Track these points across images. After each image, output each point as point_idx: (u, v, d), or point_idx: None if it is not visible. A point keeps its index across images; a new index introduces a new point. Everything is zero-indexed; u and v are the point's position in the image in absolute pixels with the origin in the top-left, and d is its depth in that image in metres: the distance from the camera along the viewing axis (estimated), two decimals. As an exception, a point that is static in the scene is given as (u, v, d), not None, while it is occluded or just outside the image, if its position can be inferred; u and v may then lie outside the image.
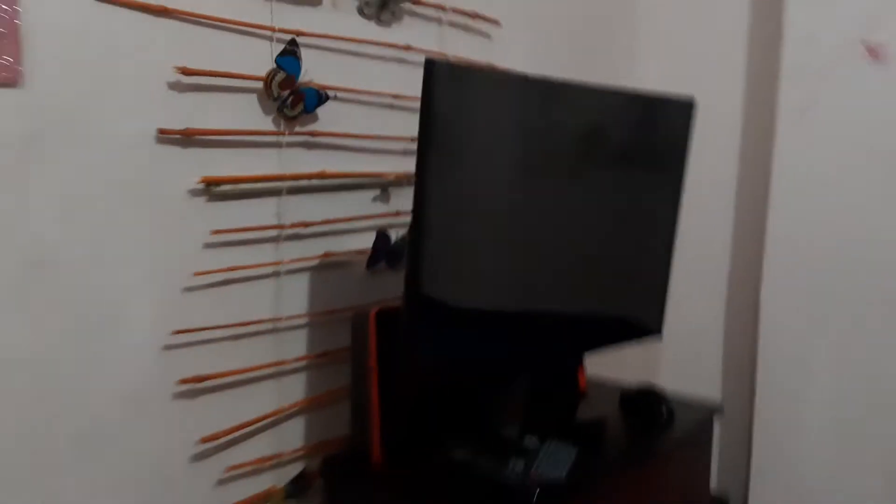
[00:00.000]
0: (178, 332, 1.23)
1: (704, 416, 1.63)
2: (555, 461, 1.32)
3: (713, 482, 2.43)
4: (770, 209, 2.13)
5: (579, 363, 1.72)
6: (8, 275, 1.04)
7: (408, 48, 1.55)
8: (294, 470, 1.44)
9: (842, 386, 2.11)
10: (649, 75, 2.31)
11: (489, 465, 1.28)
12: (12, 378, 1.06)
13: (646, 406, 1.61)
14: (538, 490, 1.21)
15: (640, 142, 1.61)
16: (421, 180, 1.20)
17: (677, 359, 2.40)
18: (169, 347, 1.24)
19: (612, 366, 1.93)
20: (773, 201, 2.13)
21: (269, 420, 1.40)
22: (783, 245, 2.14)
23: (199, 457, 1.31)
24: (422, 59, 1.19)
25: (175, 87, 1.18)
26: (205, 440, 1.29)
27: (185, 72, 1.17)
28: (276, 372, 1.41)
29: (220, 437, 1.31)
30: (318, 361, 1.47)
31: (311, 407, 1.47)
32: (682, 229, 1.77)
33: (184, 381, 1.25)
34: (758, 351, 2.21)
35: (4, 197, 1.03)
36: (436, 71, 1.17)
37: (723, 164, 2.34)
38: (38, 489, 1.10)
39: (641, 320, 1.71)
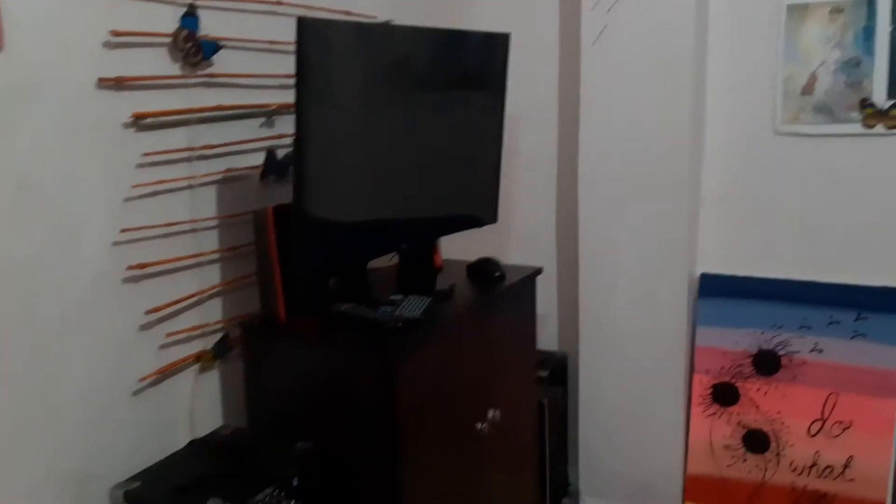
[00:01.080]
0: (124, 230, 1.64)
1: (528, 275, 2.17)
2: (414, 307, 1.82)
3: (556, 346, 3.04)
4: (581, 118, 2.68)
5: (434, 246, 2.22)
6: (5, 194, 1.42)
7: (279, 3, 1.96)
8: (217, 337, 1.89)
9: (639, 256, 2.72)
10: (484, 17, 2.81)
11: (366, 311, 1.76)
12: (11, 276, 1.45)
13: (484, 271, 2.13)
14: (400, 324, 1.70)
15: (468, 70, 2.09)
16: (299, 110, 1.63)
17: (521, 242, 2.95)
18: (117, 244, 1.64)
19: (474, 251, 2.43)
20: (583, 111, 2.67)
21: (195, 298, 1.83)
22: (592, 148, 2.69)
23: (146, 327, 1.73)
24: (291, 11, 1.61)
25: (108, 45, 1.57)
26: (149, 312, 1.71)
27: (116, 33, 1.56)
28: (198, 262, 1.83)
29: (161, 310, 1.73)
30: (228, 254, 1.90)
31: (227, 290, 1.91)
32: (520, 137, 2.27)
33: (130, 268, 1.66)
34: (578, 234, 2.78)
35: (-5, 135, 1.41)
36: (305, 25, 1.60)
37: (547, 84, 2.87)
38: (34, 353, 1.50)
39: (479, 212, 2.22)
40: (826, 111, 2.63)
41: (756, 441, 2.73)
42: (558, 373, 2.88)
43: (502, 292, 2.06)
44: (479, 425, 1.98)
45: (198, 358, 1.84)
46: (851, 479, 2.61)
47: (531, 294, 2.21)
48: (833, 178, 2.64)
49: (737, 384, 2.74)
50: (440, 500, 1.86)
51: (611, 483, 2.91)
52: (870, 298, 2.60)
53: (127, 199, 1.65)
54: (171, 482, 1.55)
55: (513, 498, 2.25)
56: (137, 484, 1.53)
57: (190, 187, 1.80)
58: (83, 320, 1.58)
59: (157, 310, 1.72)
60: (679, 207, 2.65)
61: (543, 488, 2.50)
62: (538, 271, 2.21)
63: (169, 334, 1.76)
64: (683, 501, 2.83)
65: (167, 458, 1.67)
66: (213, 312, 1.89)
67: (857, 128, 2.59)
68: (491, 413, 2.02)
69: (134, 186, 1.66)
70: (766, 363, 2.70)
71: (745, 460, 2.75)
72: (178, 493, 1.51)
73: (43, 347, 1.51)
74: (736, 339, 2.73)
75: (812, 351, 2.64)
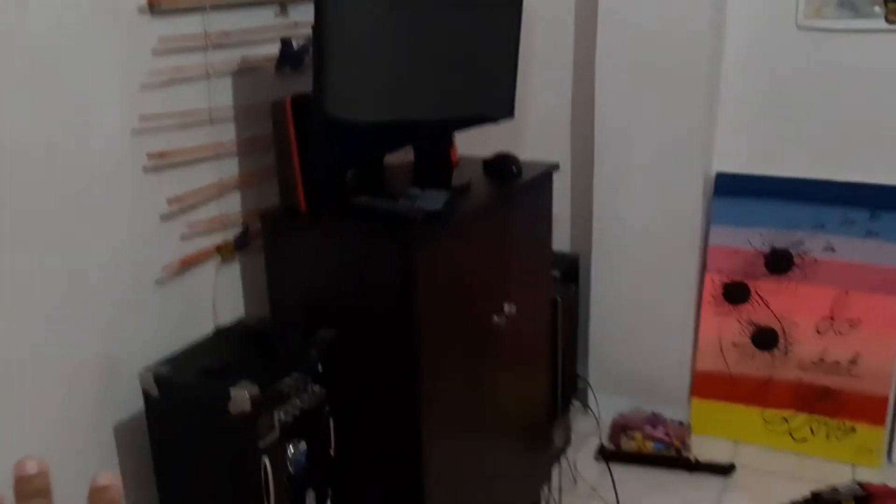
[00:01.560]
0: (142, 117, 1.62)
1: (545, 171, 2.16)
2: (433, 200, 1.81)
3: (569, 247, 3.05)
4: (599, 12, 2.62)
5: (450, 141, 2.20)
6: (21, 72, 1.40)
7: None
8: (238, 230, 1.90)
9: (655, 155, 2.70)
10: None
11: (384, 203, 1.76)
12: (32, 159, 1.44)
13: (501, 166, 2.12)
14: (420, 215, 1.70)
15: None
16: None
17: (535, 141, 2.93)
18: (136, 132, 1.63)
19: (487, 148, 2.42)
20: (601, 4, 2.61)
21: (215, 190, 1.83)
22: (609, 42, 2.64)
23: (167, 217, 1.73)
24: None
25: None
26: (170, 203, 1.71)
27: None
28: (216, 154, 1.82)
29: (182, 201, 1.74)
30: (246, 146, 1.89)
31: (246, 182, 1.91)
32: (536, 32, 2.22)
33: (150, 156, 1.65)
34: (594, 131, 2.75)
35: (12, 14, 1.38)
36: None
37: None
38: (59, 237, 1.51)
39: (496, 107, 2.19)
40: (849, 5, 2.56)
41: (764, 338, 2.77)
42: (570, 273, 2.90)
43: (519, 188, 2.06)
44: (495, 318, 2.00)
45: (219, 250, 1.85)
46: (857, 375, 2.66)
47: (548, 190, 2.21)
48: (852, 75, 2.59)
49: (748, 283, 2.76)
50: (457, 390, 1.90)
51: (620, 379, 2.97)
52: (884, 197, 2.60)
53: (144, 87, 1.63)
54: (198, 366, 1.58)
55: (526, 392, 2.30)
56: (167, 367, 1.56)
57: (207, 76, 1.77)
58: (105, 207, 1.59)
59: (178, 200, 1.72)
60: (697, 104, 2.62)
61: (555, 383, 2.55)
62: (555, 166, 2.20)
63: (190, 225, 1.77)
64: (690, 397, 2.90)
65: (194, 345, 1.70)
66: (233, 205, 1.89)
67: (880, 23, 2.53)
68: (507, 307, 2.05)
69: (151, 73, 1.63)
70: (779, 262, 2.72)
71: (752, 357, 2.80)
72: (206, 376, 1.54)
73: (67, 233, 1.52)
74: (749, 239, 2.74)
75: (825, 250, 2.66)
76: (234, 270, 1.93)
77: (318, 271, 1.80)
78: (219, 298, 1.88)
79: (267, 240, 1.84)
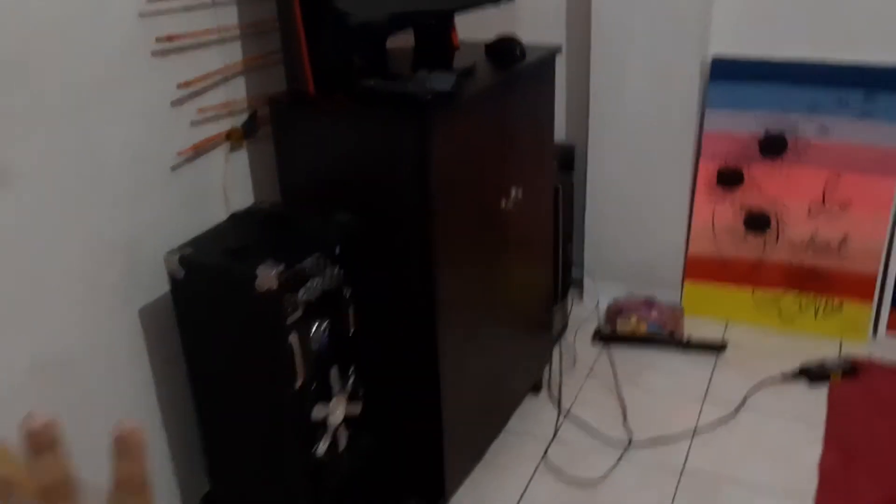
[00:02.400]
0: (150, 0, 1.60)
1: (548, 54, 2.15)
2: (442, 81, 1.81)
3: (564, 136, 3.06)
4: None
5: (451, 24, 2.18)
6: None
7: None
8: (245, 116, 1.89)
9: (651, 40, 2.69)
10: None
11: (394, 85, 1.76)
12: (44, 38, 1.42)
13: (505, 49, 2.11)
14: (430, 95, 1.70)
15: None
16: None
17: (530, 25, 2.90)
18: (144, 15, 1.60)
19: (482, 32, 2.39)
20: None
21: (221, 75, 1.81)
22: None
23: (177, 102, 1.72)
24: None
25: None
26: (181, 86, 1.70)
27: None
28: (221, 38, 1.80)
29: (192, 85, 1.72)
30: (250, 30, 1.86)
31: (252, 67, 1.89)
32: None
33: (159, 40, 1.63)
34: (591, 16, 2.73)
35: None
36: None
37: None
38: (74, 117, 1.50)
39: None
40: None
41: (757, 222, 2.84)
42: (566, 163, 2.92)
43: (524, 70, 2.05)
44: (503, 203, 2.03)
45: (228, 136, 1.85)
46: (846, 255, 2.75)
47: (551, 74, 2.21)
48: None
49: (742, 168, 2.81)
50: (469, 273, 1.94)
51: (615, 266, 3.04)
52: (879, 77, 2.62)
53: (148, -33, 1.59)
54: (221, 248, 1.60)
55: (530, 277, 2.36)
56: (190, 249, 1.58)
57: (208, -43, 1.73)
58: (117, 90, 1.57)
59: (187, 84, 1.71)
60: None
61: (556, 269, 2.61)
62: (557, 49, 2.19)
63: (200, 110, 1.76)
64: (684, 281, 2.99)
65: (213, 229, 1.72)
66: (240, 90, 1.87)
67: None
68: (514, 191, 2.08)
69: (155, -48, 1.59)
70: (773, 146, 2.76)
71: (744, 241, 2.87)
72: (231, 256, 1.57)
73: (81, 113, 1.51)
74: (744, 123, 2.77)
75: (818, 132, 2.70)
76: (242, 157, 1.93)
77: (330, 156, 1.81)
78: (229, 185, 1.89)
79: (276, 125, 1.84)
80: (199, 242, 1.63)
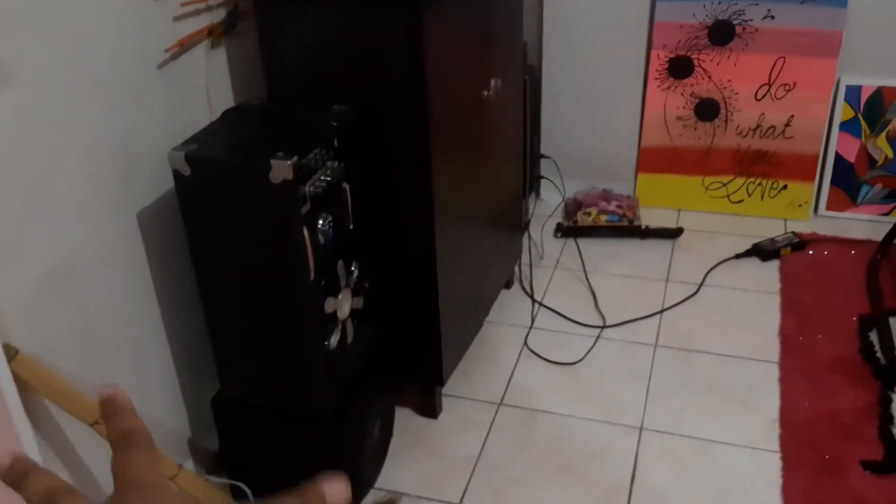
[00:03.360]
0: None
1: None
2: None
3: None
4: None
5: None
6: None
7: None
8: (227, 9, 1.82)
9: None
10: None
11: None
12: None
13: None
14: (424, -20, 1.69)
15: None
16: None
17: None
18: None
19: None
20: None
21: (199, -33, 1.74)
22: None
23: (158, -4, 1.65)
24: None
25: None
26: (163, -22, 1.63)
27: None
28: (195, -72, 1.72)
29: (173, -23, 1.65)
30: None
31: (224, -41, 1.82)
32: None
33: (139, -73, 1.55)
34: None
35: None
36: None
37: None
38: (64, 26, 1.43)
39: None
40: None
41: (706, 109, 2.94)
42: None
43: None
44: (485, 93, 2.05)
45: (210, 32, 1.79)
46: (790, 137, 2.89)
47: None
48: None
49: (692, 56, 2.89)
50: (458, 168, 1.97)
51: (573, 161, 3.11)
52: (822, -37, 2.72)
53: None
54: (224, 143, 1.57)
55: (506, 173, 2.39)
56: (194, 146, 1.55)
57: None
58: (103, -16, 1.50)
59: (168, -24, 1.64)
60: None
61: (526, 163, 2.66)
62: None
63: (184, 3, 1.69)
64: (637, 172, 3.09)
65: (208, 127, 1.67)
66: (218, -18, 1.80)
67: None
68: (493, 82, 2.09)
69: None
70: (721, 33, 2.84)
71: (695, 129, 2.98)
72: (239, 151, 1.54)
73: (69, 9, 1.43)
74: (693, 12, 2.83)
75: (765, 18, 2.79)
76: (221, 55, 1.87)
77: (318, 49, 1.77)
78: (211, 85, 1.84)
79: (260, 17, 1.78)
80: (200, 139, 1.59)
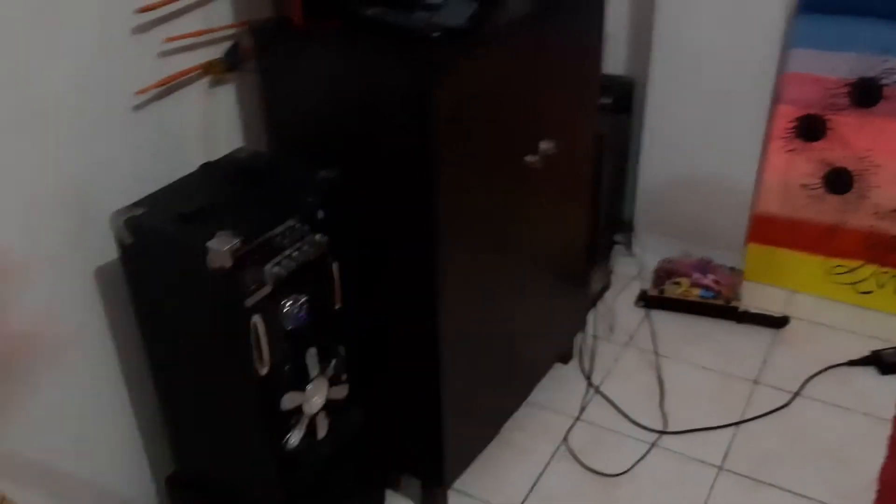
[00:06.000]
0: None
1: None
2: (456, 13, 1.49)
3: (623, 69, 2.69)
4: None
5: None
6: None
7: None
8: (227, 45, 1.61)
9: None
10: None
11: (397, 16, 1.45)
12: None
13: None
14: (438, 32, 1.39)
15: None
16: None
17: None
18: (90, -79, 1.32)
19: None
20: None
21: (197, -2, 1.53)
22: None
23: (139, 30, 1.45)
24: None
25: None
26: (141, 10, 1.43)
27: None
28: (197, -48, 1.51)
29: (155, 8, 1.45)
30: (235, -58, 1.57)
31: (235, -13, 1.60)
32: None
33: (111, -46, 1.36)
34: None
35: None
36: None
37: None
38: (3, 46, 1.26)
39: None
40: None
41: (838, 180, 2.46)
42: (622, 100, 2.57)
43: (565, -2, 1.71)
44: (529, 158, 1.73)
45: (207, 69, 1.58)
46: (941, 226, 2.36)
47: (599, 1, 1.85)
48: None
49: (826, 117, 2.41)
50: (481, 237, 1.67)
51: (671, 221, 2.72)
52: None
53: None
54: (179, 208, 1.35)
55: (562, 235, 2.06)
56: (142, 210, 1.35)
57: None
58: (58, 14, 1.31)
59: (149, 8, 1.44)
60: None
61: (596, 225, 2.31)
62: (610, -26, 1.83)
63: (168, 39, 1.49)
64: (747, 242, 2.64)
65: (176, 182, 1.47)
66: (220, 15, 1.59)
67: None
68: (544, 145, 1.77)
69: None
70: (866, 93, 2.35)
71: (822, 201, 2.50)
72: (185, 221, 1.32)
73: (11, 41, 1.26)
74: (834, 65, 2.35)
75: (923, 81, 2.27)
76: (228, 94, 1.67)
77: (321, 98, 1.53)
78: (210, 127, 1.64)
79: (260, 59, 1.56)
80: (155, 200, 1.39)
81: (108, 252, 1.48)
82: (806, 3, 2.34)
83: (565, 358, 2.35)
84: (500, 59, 1.55)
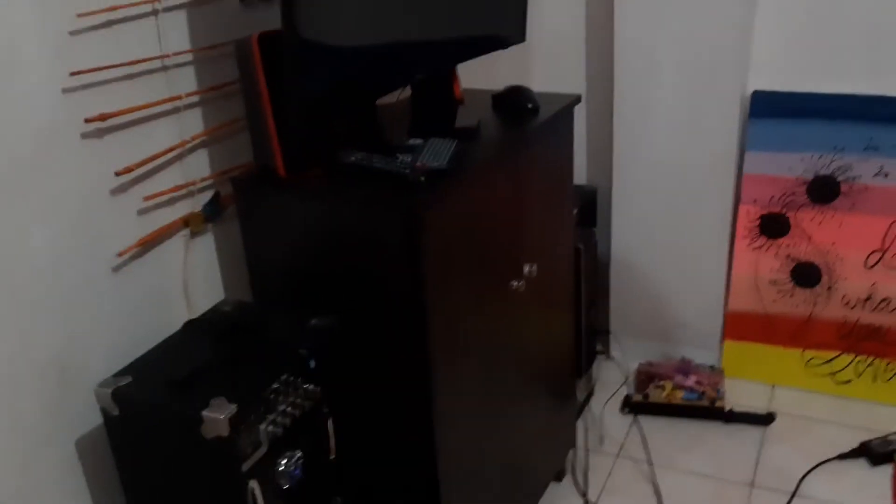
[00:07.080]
0: (74, 73, 1.30)
1: (565, 106, 1.84)
2: (437, 153, 1.51)
3: (585, 179, 2.75)
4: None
5: (453, 75, 1.87)
6: None
7: None
8: (207, 197, 1.60)
9: (683, 73, 2.37)
10: None
11: (381, 161, 1.46)
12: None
13: (514, 103, 1.80)
14: (423, 177, 1.40)
15: None
16: None
17: (546, 65, 2.59)
18: (68, 90, 1.31)
19: (492, 80, 2.09)
20: None
21: (175, 152, 1.52)
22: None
23: (118, 190, 1.43)
24: None
25: None
26: (119, 173, 1.41)
27: None
28: (173, 108, 1.51)
29: (133, 170, 1.43)
30: (210, 95, 1.57)
31: (212, 139, 1.60)
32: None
33: (89, 121, 1.34)
34: (614, 48, 2.41)
35: None
36: None
37: None
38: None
39: (504, 30, 1.85)
40: None
41: (806, 274, 2.51)
42: (587, 209, 2.61)
43: (537, 127, 1.74)
44: (514, 283, 1.73)
45: (186, 222, 1.56)
46: (910, 312, 2.41)
47: (568, 128, 1.90)
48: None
49: (788, 214, 2.48)
50: (473, 370, 1.64)
51: (645, 324, 2.73)
52: (948, 113, 2.28)
53: (73, 32, 1.30)
54: (165, 375, 1.31)
55: (548, 354, 2.04)
56: (128, 380, 1.29)
57: (154, 13, 1.44)
58: (35, 184, 1.28)
59: (128, 170, 1.42)
60: (732, 12, 2.27)
61: (579, 338, 2.30)
62: (576, 100, 1.88)
63: (147, 197, 1.47)
64: (723, 340, 2.66)
65: (160, 345, 1.42)
66: (198, 167, 1.58)
67: None
68: (527, 268, 1.77)
69: (79, 16, 1.30)
70: (823, 190, 2.42)
71: (792, 295, 2.54)
72: (175, 389, 1.27)
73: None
74: (790, 165, 2.44)
75: (876, 175, 2.36)
76: (207, 245, 1.64)
77: (304, 246, 1.51)
78: (191, 281, 1.60)
79: (242, 209, 1.54)
80: (141, 367, 1.34)
81: (91, 419, 1.41)
82: (757, 108, 2.44)
83: (559, 475, 2.29)
84: (480, 191, 1.56)
